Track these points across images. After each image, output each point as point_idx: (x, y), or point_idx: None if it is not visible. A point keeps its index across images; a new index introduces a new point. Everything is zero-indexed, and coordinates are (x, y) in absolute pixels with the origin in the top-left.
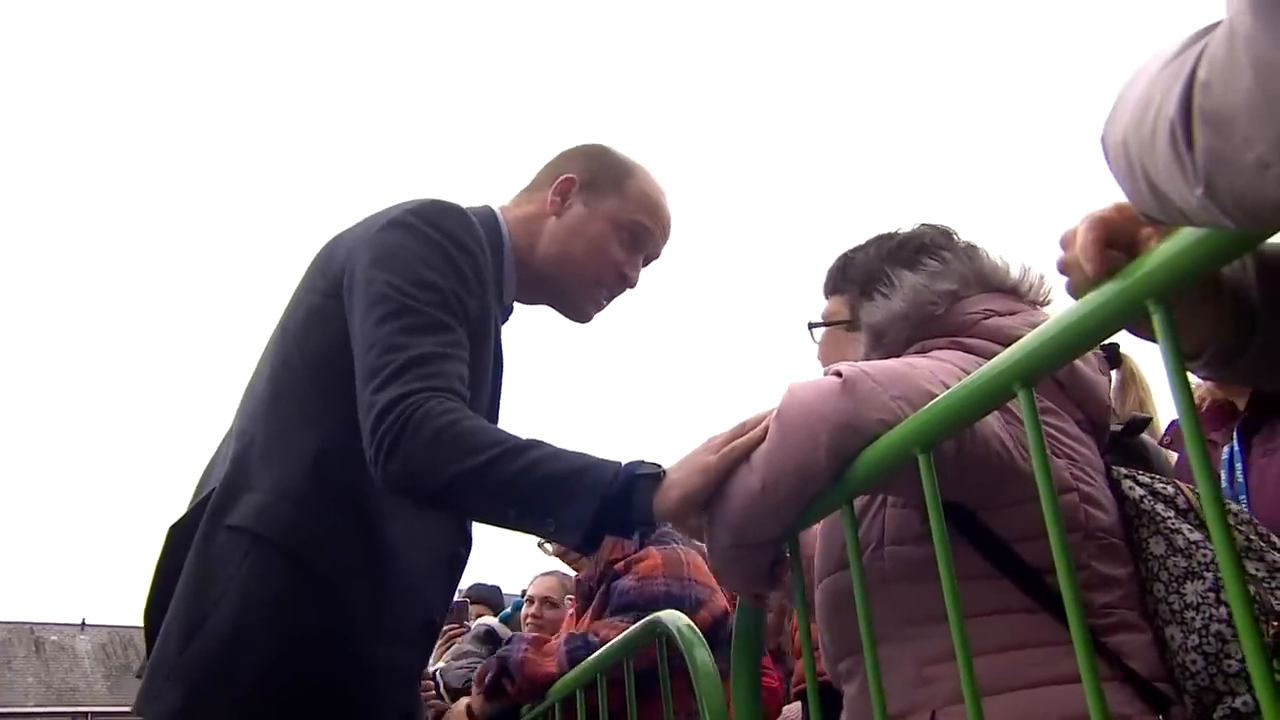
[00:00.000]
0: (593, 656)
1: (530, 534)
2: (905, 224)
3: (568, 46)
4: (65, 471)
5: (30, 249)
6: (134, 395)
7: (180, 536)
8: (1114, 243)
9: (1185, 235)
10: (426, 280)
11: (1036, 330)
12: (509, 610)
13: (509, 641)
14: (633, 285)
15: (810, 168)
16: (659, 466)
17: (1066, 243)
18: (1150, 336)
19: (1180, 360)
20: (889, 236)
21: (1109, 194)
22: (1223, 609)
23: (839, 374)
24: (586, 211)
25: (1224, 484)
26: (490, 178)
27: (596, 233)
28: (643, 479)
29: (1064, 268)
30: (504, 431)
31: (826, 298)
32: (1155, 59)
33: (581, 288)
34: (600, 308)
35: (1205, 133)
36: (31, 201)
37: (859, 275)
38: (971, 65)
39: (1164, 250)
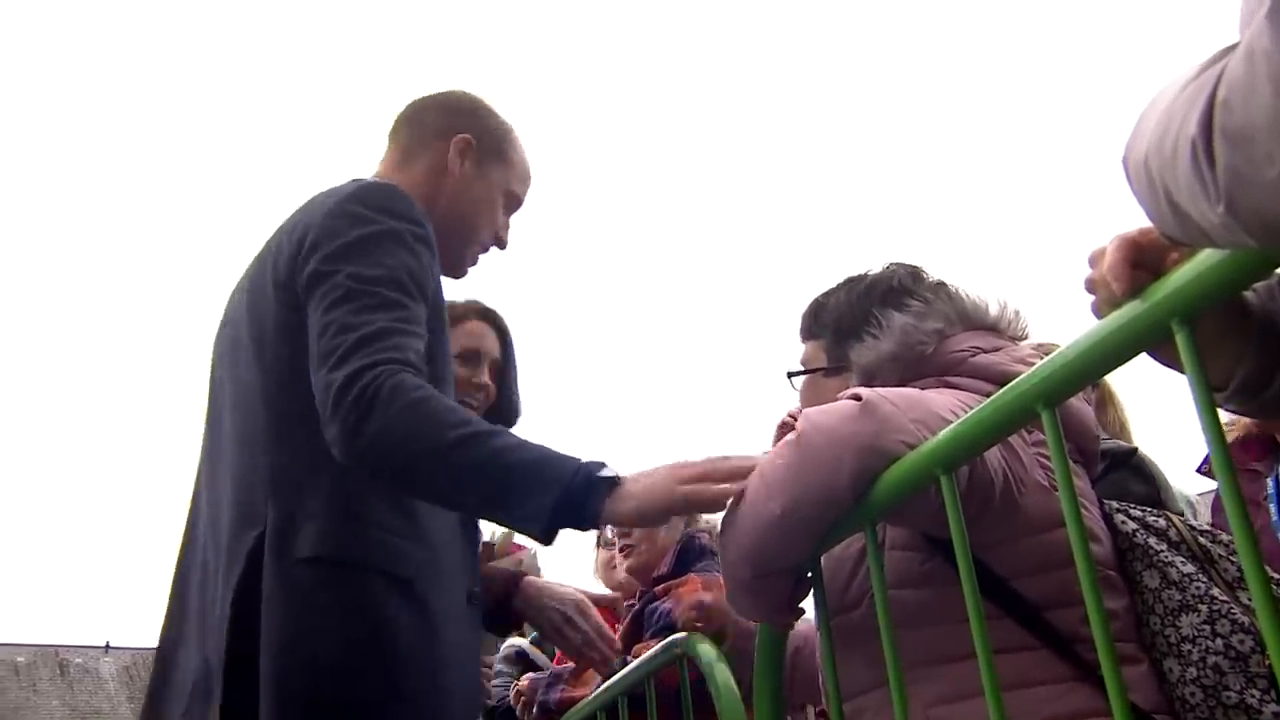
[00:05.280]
0: (614, 678)
1: (487, 518)
2: (873, 265)
3: (562, 51)
4: (89, 494)
5: (50, 264)
6: (158, 418)
7: (245, 587)
8: (1142, 264)
9: (1210, 255)
10: (378, 263)
11: (1059, 350)
12: (537, 634)
13: (548, 679)
14: (504, 248)
15: (815, 173)
16: (616, 473)
17: (1094, 261)
18: (1173, 362)
19: (1206, 379)
20: (859, 279)
21: (1102, 222)
22: (1219, 641)
23: (857, 397)
24: (476, 174)
25: (1275, 515)
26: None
27: (486, 198)
28: (602, 480)
29: (1090, 286)
30: (468, 412)
31: (803, 343)
32: (1175, 80)
33: (467, 249)
34: (474, 265)
35: (1226, 151)
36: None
37: (832, 319)
38: (968, 84)
39: (1188, 270)
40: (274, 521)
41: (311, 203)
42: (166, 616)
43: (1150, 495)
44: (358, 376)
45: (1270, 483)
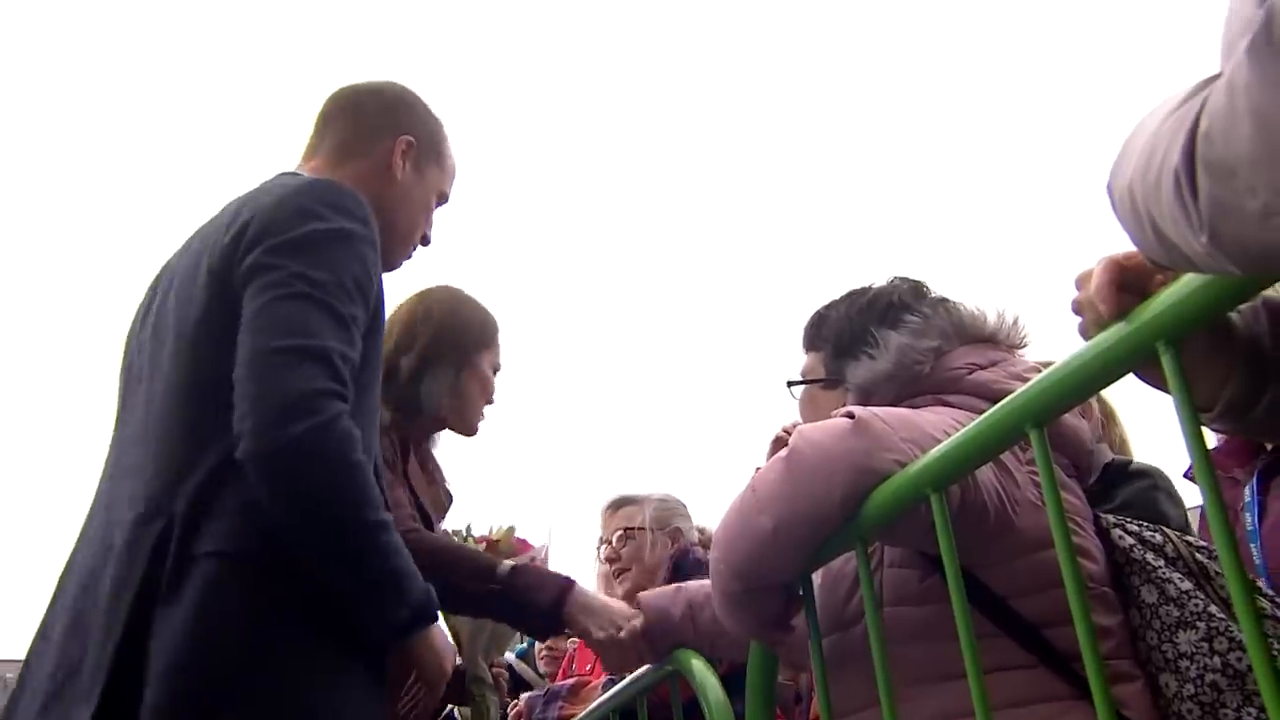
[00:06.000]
0: (606, 695)
1: (346, 600)
2: (877, 279)
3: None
4: (76, 507)
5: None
6: None
7: (147, 583)
8: (1128, 286)
9: (1194, 277)
10: (326, 265)
11: (1047, 371)
12: (524, 645)
13: (545, 697)
14: (429, 244)
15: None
16: (435, 617)
17: (1081, 283)
18: (1160, 382)
19: (1191, 400)
20: (861, 292)
21: (1099, 239)
22: (1216, 659)
23: (850, 415)
24: (415, 177)
25: (1250, 524)
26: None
27: (423, 201)
28: (429, 618)
29: (1077, 308)
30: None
31: (805, 353)
32: (1159, 109)
33: (402, 251)
34: (407, 260)
35: (1208, 182)
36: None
37: (832, 333)
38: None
39: (1173, 292)
40: (181, 516)
41: (253, 194)
42: (41, 620)
43: (1181, 519)
44: (317, 399)
45: (1247, 491)
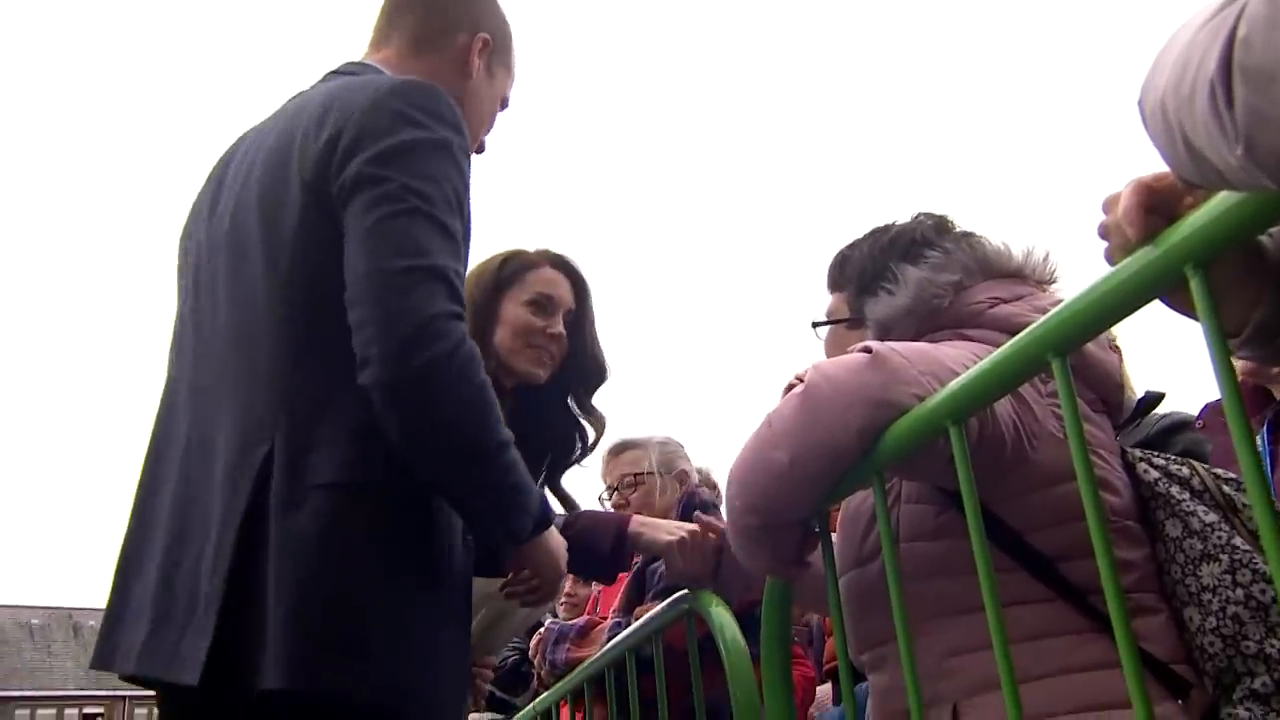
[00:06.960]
0: (621, 635)
1: (474, 519)
2: (900, 216)
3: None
4: (102, 456)
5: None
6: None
7: (253, 508)
8: (1157, 209)
9: (1224, 199)
10: (431, 176)
11: (1071, 298)
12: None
13: (555, 636)
14: (482, 153)
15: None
16: (551, 521)
17: (1108, 207)
18: (1188, 308)
19: (1219, 327)
20: (884, 230)
21: (1120, 172)
22: (1239, 591)
23: (868, 349)
24: (487, 79)
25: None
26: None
27: (491, 106)
28: (546, 522)
29: (1104, 232)
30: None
31: (829, 294)
32: (1193, 20)
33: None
34: None
35: (1245, 90)
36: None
37: (855, 272)
38: (980, 48)
39: (1202, 214)
40: (284, 442)
41: (337, 91)
42: (126, 539)
43: None
44: (441, 320)
45: (1258, 440)
